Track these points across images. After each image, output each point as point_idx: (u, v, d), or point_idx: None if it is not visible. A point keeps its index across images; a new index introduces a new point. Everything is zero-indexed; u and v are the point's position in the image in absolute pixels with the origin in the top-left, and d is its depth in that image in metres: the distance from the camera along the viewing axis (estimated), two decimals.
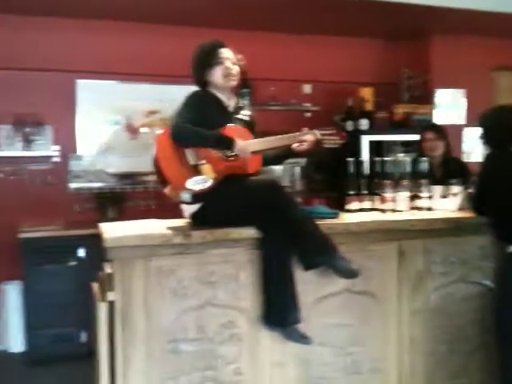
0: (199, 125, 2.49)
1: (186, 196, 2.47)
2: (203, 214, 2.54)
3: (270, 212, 2.42)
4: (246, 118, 2.75)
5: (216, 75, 2.64)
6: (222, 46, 2.67)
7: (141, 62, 4.73)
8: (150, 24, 4.71)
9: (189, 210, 2.59)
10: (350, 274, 2.47)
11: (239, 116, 2.72)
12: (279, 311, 2.44)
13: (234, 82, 2.68)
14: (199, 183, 2.46)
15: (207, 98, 2.66)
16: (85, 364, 3.65)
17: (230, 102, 2.72)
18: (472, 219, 2.86)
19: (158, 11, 4.45)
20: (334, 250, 2.45)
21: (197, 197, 2.49)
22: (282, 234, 2.43)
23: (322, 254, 2.44)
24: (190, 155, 2.50)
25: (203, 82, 2.68)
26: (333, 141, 2.79)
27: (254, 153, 2.61)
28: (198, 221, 2.57)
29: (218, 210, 2.50)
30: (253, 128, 2.76)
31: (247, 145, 2.56)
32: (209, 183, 2.47)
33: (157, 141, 2.59)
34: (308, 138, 2.67)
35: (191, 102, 2.62)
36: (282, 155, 2.85)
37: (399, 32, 5.25)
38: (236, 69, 2.67)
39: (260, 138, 2.72)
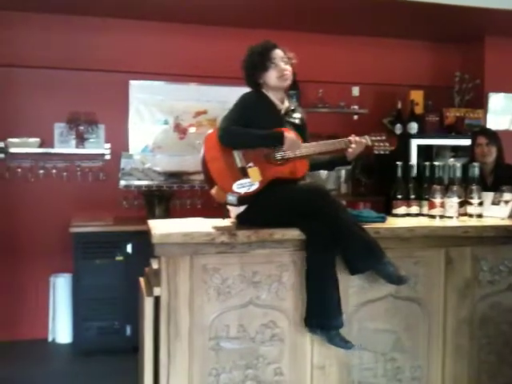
0: (248, 127, 2.52)
1: (231, 198, 2.49)
2: (249, 216, 2.56)
3: (317, 216, 2.42)
4: (297, 122, 2.75)
5: (270, 77, 2.65)
6: (275, 46, 2.69)
7: (190, 64, 4.80)
8: (200, 26, 4.77)
9: (235, 210, 2.62)
10: (398, 280, 2.45)
11: (290, 119, 2.73)
12: (323, 315, 2.43)
13: (288, 82, 2.68)
14: (245, 186, 2.48)
15: (259, 99, 2.67)
16: (129, 357, 3.75)
17: (283, 105, 2.73)
18: None
19: (207, 13, 4.51)
20: (382, 255, 2.42)
21: (242, 199, 2.51)
22: (329, 238, 2.42)
23: (369, 258, 2.42)
24: (238, 157, 2.52)
25: (256, 84, 2.69)
26: (383, 147, 2.77)
27: (302, 157, 2.62)
28: (243, 222, 2.59)
29: (264, 213, 2.51)
30: (304, 131, 2.77)
31: (297, 139, 2.57)
32: (255, 187, 2.48)
33: (205, 141, 2.61)
34: (358, 143, 2.67)
35: (242, 104, 2.64)
36: (334, 162, 2.85)
37: (452, 34, 5.14)
38: (289, 69, 2.68)
39: (310, 140, 2.73)
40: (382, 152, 2.81)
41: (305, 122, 2.81)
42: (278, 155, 2.56)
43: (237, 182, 2.47)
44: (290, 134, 2.55)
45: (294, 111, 2.77)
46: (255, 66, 2.65)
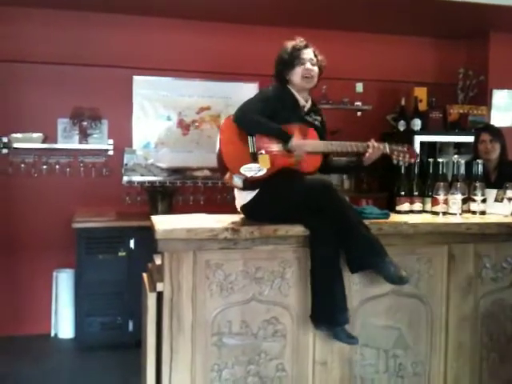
0: (268, 117, 2.57)
1: (237, 180, 2.53)
2: (254, 206, 2.58)
3: (323, 212, 2.43)
4: (317, 124, 2.78)
5: (295, 75, 2.70)
6: (307, 46, 2.74)
7: (194, 60, 4.81)
8: (204, 22, 4.77)
9: (240, 200, 2.64)
10: (399, 280, 2.44)
11: (310, 119, 2.76)
12: (328, 311, 2.44)
13: (311, 84, 2.73)
14: (253, 170, 2.52)
15: (284, 93, 2.71)
16: (131, 352, 3.76)
17: (306, 104, 2.77)
18: None
19: (210, 9, 4.50)
20: (384, 254, 2.42)
21: (249, 184, 2.54)
22: (333, 233, 2.42)
23: (372, 257, 2.41)
24: (251, 143, 2.56)
25: (284, 80, 2.74)
26: (402, 158, 2.71)
27: (314, 153, 2.64)
28: (248, 212, 2.62)
29: (269, 204, 2.53)
30: (323, 133, 2.79)
31: (303, 145, 2.61)
32: (262, 172, 2.52)
33: (223, 125, 2.67)
34: (375, 148, 2.66)
35: (266, 93, 2.72)
36: (350, 165, 2.87)
37: (456, 31, 5.13)
38: (315, 70, 2.72)
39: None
40: (401, 164, 2.79)
41: (324, 125, 2.85)
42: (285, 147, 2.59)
43: (245, 165, 2.51)
44: (297, 141, 2.58)
45: (315, 112, 2.81)
46: (283, 62, 2.72)
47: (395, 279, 2.43)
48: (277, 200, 2.52)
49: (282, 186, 2.50)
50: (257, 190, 2.57)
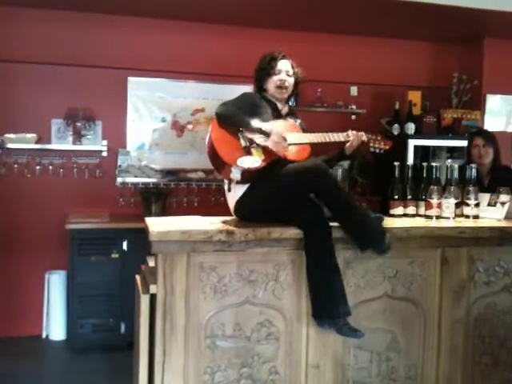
0: (245, 114, 2.62)
1: (236, 172, 2.55)
2: (246, 200, 2.60)
3: (317, 193, 2.52)
4: (298, 125, 2.86)
5: (271, 84, 2.81)
6: (283, 57, 2.83)
7: (189, 61, 4.80)
8: (199, 23, 4.76)
9: (232, 198, 2.66)
10: (387, 250, 2.51)
11: (291, 121, 2.86)
12: (330, 304, 2.44)
13: (284, 95, 2.83)
14: (249, 162, 2.54)
15: (262, 99, 2.80)
16: (123, 355, 3.76)
17: (284, 108, 2.87)
18: None
19: (205, 11, 4.50)
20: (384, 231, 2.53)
21: (246, 177, 2.56)
22: (325, 227, 2.46)
23: (375, 233, 2.52)
24: (242, 138, 2.59)
25: (262, 88, 2.85)
26: (378, 145, 2.87)
27: (298, 144, 2.71)
28: (241, 209, 2.64)
29: (261, 196, 2.55)
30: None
31: (283, 135, 2.64)
32: (258, 164, 2.55)
33: (213, 122, 2.68)
34: (355, 135, 2.77)
35: (247, 96, 2.80)
36: (333, 158, 2.91)
37: (451, 35, 5.14)
38: (290, 81, 2.82)
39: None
40: (377, 151, 2.89)
41: (304, 127, 2.91)
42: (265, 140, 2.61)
43: (242, 157, 2.55)
44: (276, 132, 2.61)
45: (293, 116, 2.90)
46: (261, 71, 2.83)
47: (385, 251, 2.51)
48: (268, 191, 2.54)
49: (273, 175, 2.53)
50: (248, 185, 2.60)
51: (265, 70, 2.81)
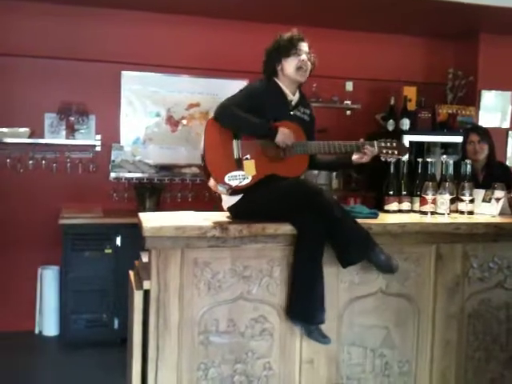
0: (250, 113, 2.50)
1: (222, 189, 2.48)
2: (240, 208, 2.55)
3: (310, 208, 2.41)
4: (305, 118, 2.74)
5: (289, 65, 2.63)
6: (303, 39, 2.69)
7: (184, 55, 4.78)
8: (194, 17, 4.73)
9: (228, 201, 2.60)
10: (389, 269, 2.46)
11: (298, 113, 2.71)
12: (307, 309, 2.43)
13: (303, 78, 2.67)
14: (238, 179, 2.47)
15: (270, 88, 2.65)
16: (116, 350, 3.74)
17: (294, 97, 2.70)
18: None
19: (200, 4, 4.47)
20: (373, 245, 2.43)
21: (234, 191, 2.50)
22: (319, 233, 2.41)
23: (362, 249, 2.42)
24: (236, 148, 2.50)
25: (273, 71, 2.67)
26: (391, 154, 2.69)
27: (302, 152, 2.60)
28: (235, 214, 2.58)
29: (257, 206, 2.50)
30: (311, 127, 2.75)
31: (290, 137, 2.54)
32: (247, 181, 2.47)
33: (206, 126, 2.57)
34: (368, 151, 2.64)
35: (250, 89, 2.65)
36: (339, 163, 2.85)
37: (446, 31, 5.14)
38: (309, 65, 2.67)
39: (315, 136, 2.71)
40: (389, 160, 2.75)
41: (313, 119, 2.80)
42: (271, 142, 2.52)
43: (230, 173, 2.46)
44: (284, 130, 2.53)
45: (304, 106, 2.75)
46: (279, 52, 2.64)
47: (386, 268, 2.46)
48: (264, 202, 2.49)
49: (269, 188, 2.47)
50: (241, 195, 2.53)
51: (284, 48, 2.61)
